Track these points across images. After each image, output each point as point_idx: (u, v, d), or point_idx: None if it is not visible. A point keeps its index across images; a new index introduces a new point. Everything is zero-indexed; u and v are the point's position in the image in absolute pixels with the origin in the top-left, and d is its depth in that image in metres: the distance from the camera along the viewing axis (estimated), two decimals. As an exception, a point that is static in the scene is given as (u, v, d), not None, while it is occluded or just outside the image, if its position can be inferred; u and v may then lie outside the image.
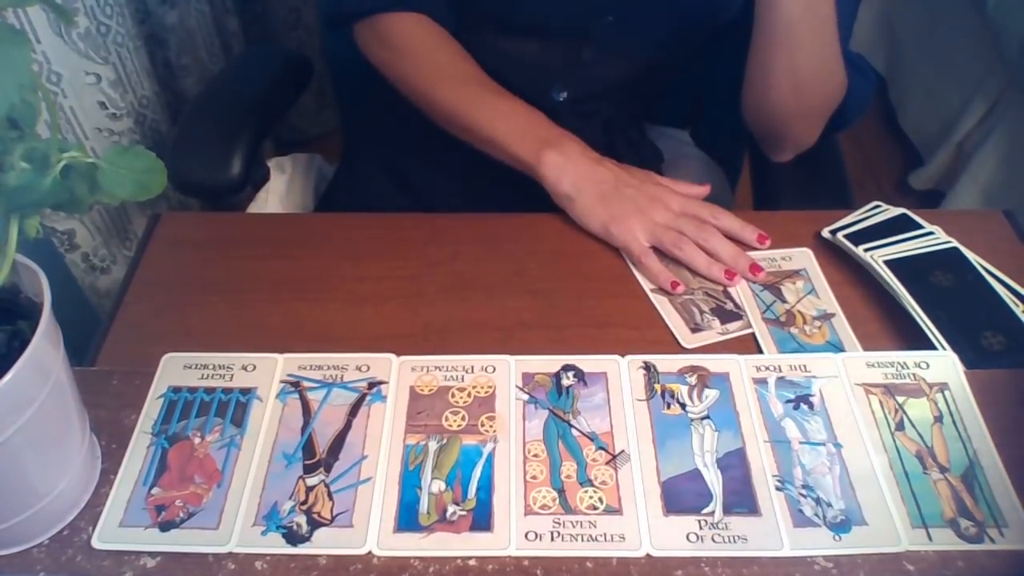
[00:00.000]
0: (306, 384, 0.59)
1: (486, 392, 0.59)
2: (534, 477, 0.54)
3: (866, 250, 0.67)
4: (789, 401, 0.58)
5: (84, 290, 1.12)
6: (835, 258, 0.69)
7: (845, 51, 0.75)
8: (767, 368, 0.60)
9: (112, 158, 0.44)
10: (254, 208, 0.89)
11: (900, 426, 0.56)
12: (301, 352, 0.61)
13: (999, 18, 1.53)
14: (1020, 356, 0.60)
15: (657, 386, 0.59)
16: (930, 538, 0.51)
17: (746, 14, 0.74)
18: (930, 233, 0.68)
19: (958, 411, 0.57)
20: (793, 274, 0.68)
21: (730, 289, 0.67)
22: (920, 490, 0.53)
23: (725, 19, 0.82)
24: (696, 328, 0.64)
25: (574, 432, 0.56)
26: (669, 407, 0.58)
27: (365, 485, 0.53)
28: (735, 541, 0.50)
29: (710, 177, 0.99)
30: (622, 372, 0.60)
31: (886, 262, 0.66)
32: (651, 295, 0.67)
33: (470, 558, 0.50)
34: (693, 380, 0.59)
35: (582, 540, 0.51)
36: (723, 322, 0.65)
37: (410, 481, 0.54)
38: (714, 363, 0.60)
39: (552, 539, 0.51)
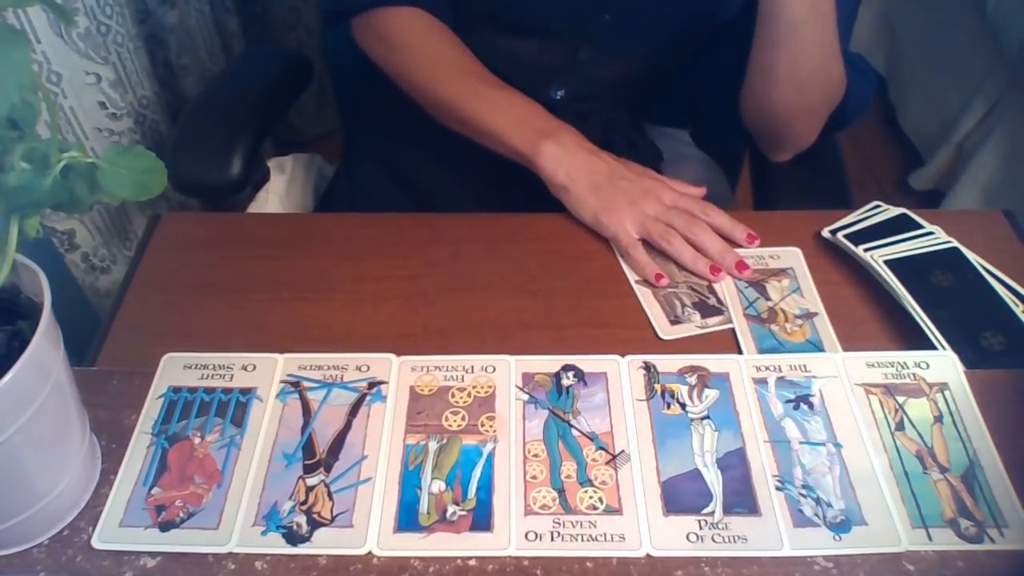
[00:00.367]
0: (306, 384, 0.59)
1: (486, 392, 0.59)
2: (534, 477, 0.54)
3: (866, 250, 0.67)
4: (789, 401, 0.58)
5: (84, 290, 1.12)
6: (835, 258, 0.69)
7: (845, 51, 0.75)
8: (767, 368, 0.60)
9: (112, 158, 0.44)
10: (254, 208, 0.89)
11: (900, 426, 0.56)
12: (301, 352, 0.61)
13: (999, 18, 1.53)
14: (1020, 356, 0.60)
15: (657, 386, 0.59)
16: (930, 538, 0.51)
17: (745, 14, 0.74)
18: (930, 233, 0.68)
19: (958, 411, 0.57)
20: (780, 272, 0.68)
21: (714, 284, 0.67)
22: (920, 490, 0.53)
23: (723, 19, 0.82)
24: (676, 320, 0.64)
25: (574, 432, 0.56)
26: (669, 407, 0.58)
27: (365, 485, 0.53)
28: (735, 541, 0.50)
29: (710, 177, 0.99)
30: (622, 372, 0.60)
31: (886, 262, 0.66)
32: (635, 286, 0.67)
33: (470, 558, 0.50)
34: (693, 380, 0.59)
35: (582, 540, 0.51)
36: (703, 316, 0.65)
37: (410, 481, 0.54)
38: (714, 363, 0.60)
39: (552, 539, 0.51)
